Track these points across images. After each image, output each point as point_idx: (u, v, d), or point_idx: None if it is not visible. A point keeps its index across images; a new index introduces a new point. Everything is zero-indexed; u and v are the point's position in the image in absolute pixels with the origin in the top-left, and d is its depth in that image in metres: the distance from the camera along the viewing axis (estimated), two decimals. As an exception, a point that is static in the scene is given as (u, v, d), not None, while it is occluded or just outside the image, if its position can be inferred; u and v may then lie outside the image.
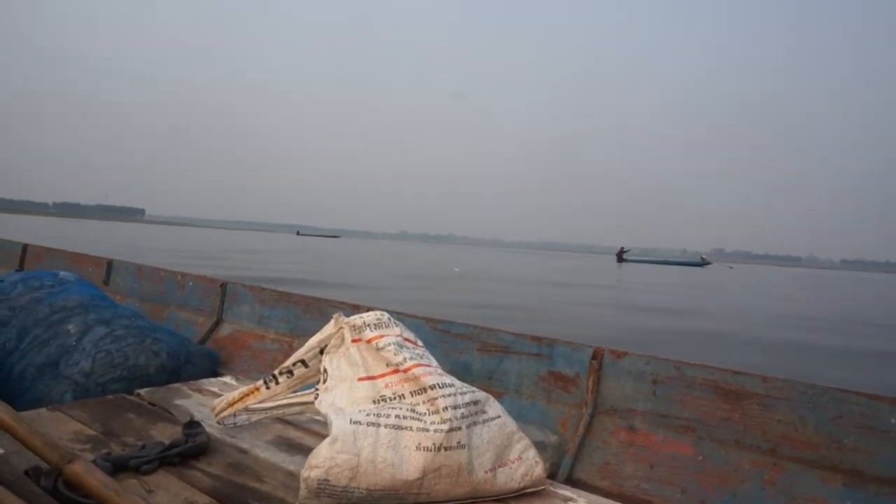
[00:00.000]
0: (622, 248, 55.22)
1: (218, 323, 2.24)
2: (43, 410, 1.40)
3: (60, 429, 1.30)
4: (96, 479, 0.81)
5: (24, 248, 3.30)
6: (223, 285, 2.27)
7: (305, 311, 2.01)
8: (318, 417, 1.49)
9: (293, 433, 1.40)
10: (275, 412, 1.38)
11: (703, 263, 55.60)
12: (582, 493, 1.17)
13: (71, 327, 1.82)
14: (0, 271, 3.10)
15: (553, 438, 1.39)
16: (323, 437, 1.38)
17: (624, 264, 47.89)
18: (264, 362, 1.98)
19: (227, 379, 1.83)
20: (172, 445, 1.21)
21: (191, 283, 2.40)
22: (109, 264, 2.76)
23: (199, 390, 1.69)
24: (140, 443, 1.28)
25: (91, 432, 1.31)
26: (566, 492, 1.17)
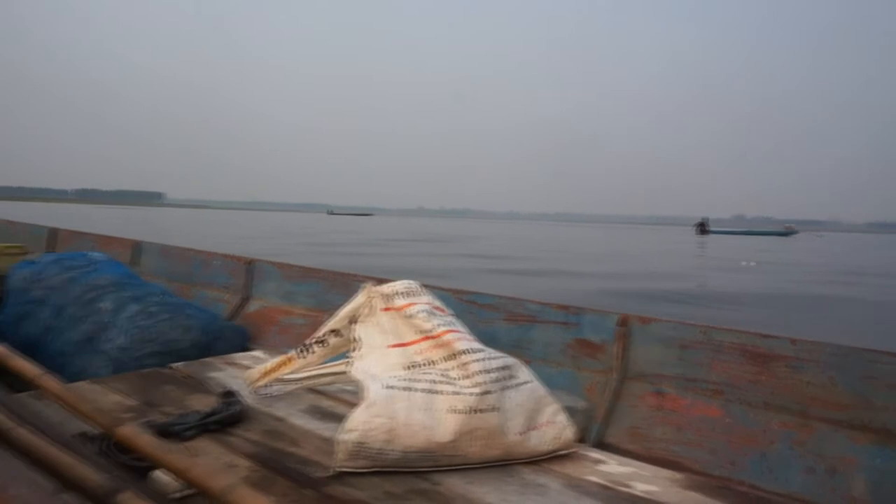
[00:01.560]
0: (703, 219, 52.29)
1: (245, 300, 2.28)
2: (84, 383, 1.44)
3: (102, 400, 1.34)
4: (146, 441, 0.84)
5: (52, 231, 3.37)
6: (249, 262, 2.31)
7: (332, 286, 2.04)
8: (348, 387, 1.52)
9: (325, 402, 1.43)
10: (307, 383, 1.41)
11: (787, 233, 53.41)
12: (612, 455, 1.19)
13: (105, 305, 1.87)
14: (32, 255, 3.17)
15: (582, 404, 1.41)
16: (354, 405, 1.41)
17: (708, 236, 44.71)
18: (292, 336, 2.02)
19: (257, 353, 1.86)
20: (211, 413, 1.24)
21: (217, 262, 2.44)
22: (136, 245, 2.82)
23: (231, 364, 1.73)
24: (179, 412, 1.32)
25: (132, 403, 1.35)
26: (597, 454, 1.19)
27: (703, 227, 50.84)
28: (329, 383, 1.42)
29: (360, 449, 1.03)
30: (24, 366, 1.19)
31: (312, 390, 1.49)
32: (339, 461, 1.04)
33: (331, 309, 2.04)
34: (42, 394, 1.23)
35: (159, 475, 0.92)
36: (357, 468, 1.04)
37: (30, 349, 1.68)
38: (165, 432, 1.14)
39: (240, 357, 1.80)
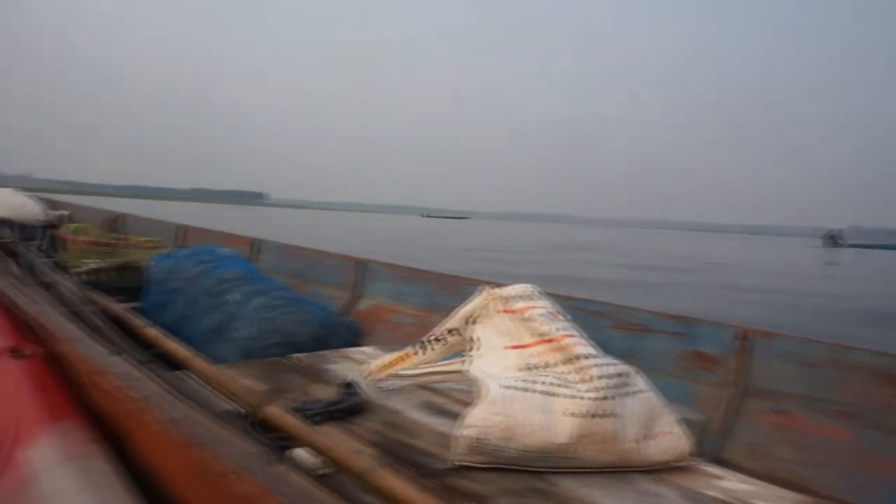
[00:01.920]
0: (834, 230, 46.19)
1: (356, 298, 2.39)
2: (222, 367, 1.57)
3: (237, 383, 1.46)
4: (290, 421, 0.91)
5: (182, 228, 3.68)
6: (361, 263, 2.42)
7: (441, 288, 2.10)
8: (458, 386, 1.57)
9: (437, 399, 1.48)
10: (420, 379, 1.46)
11: None
12: (731, 472, 1.16)
13: (233, 297, 2.02)
14: (165, 250, 3.47)
15: (696, 416, 1.38)
16: (465, 404, 1.45)
17: (836, 250, 38.56)
18: (401, 335, 2.10)
19: (368, 349, 1.95)
20: (335, 402, 1.32)
21: (330, 261, 2.58)
22: (256, 243, 3.02)
23: (345, 357, 1.82)
24: (304, 399, 1.41)
25: (262, 388, 1.46)
26: (715, 470, 1.16)
27: (834, 239, 44.72)
28: (441, 381, 1.47)
29: (479, 444, 1.06)
30: (177, 348, 1.33)
31: (424, 387, 1.55)
32: (458, 455, 1.08)
33: (439, 310, 2.11)
34: (189, 374, 1.36)
35: (299, 453, 1.00)
36: (475, 463, 1.07)
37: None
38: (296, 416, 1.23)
39: (352, 352, 1.89)
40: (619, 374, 1.13)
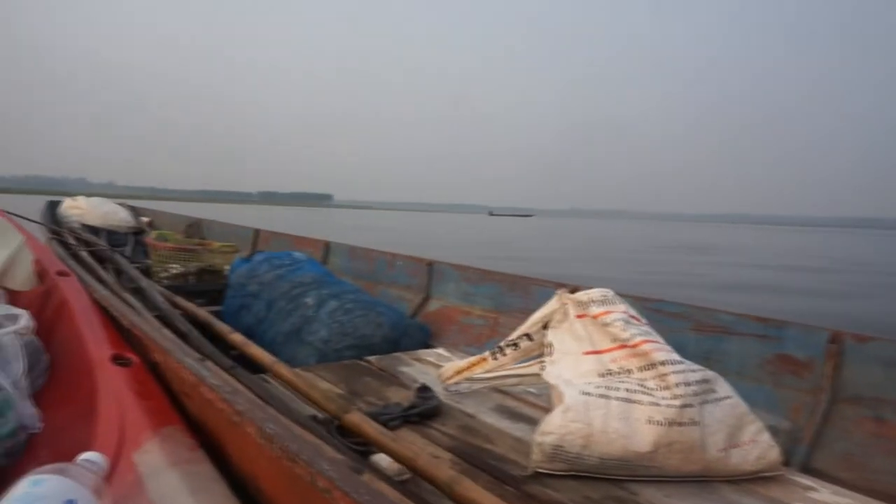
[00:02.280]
0: None
1: (426, 299, 2.41)
2: (299, 372, 1.63)
3: (317, 389, 1.51)
4: (373, 428, 0.94)
5: (256, 232, 3.82)
6: (430, 264, 2.45)
7: (510, 289, 2.10)
8: (531, 389, 1.56)
9: (510, 402, 1.48)
10: (493, 382, 1.46)
11: None
12: (824, 483, 1.11)
13: (308, 300, 2.08)
14: (241, 254, 3.61)
15: (785, 424, 1.32)
16: (538, 407, 1.45)
17: None
18: (471, 336, 2.11)
19: (441, 350, 1.97)
20: (412, 406, 1.34)
21: (400, 263, 2.61)
22: (327, 246, 3.10)
23: (418, 360, 1.85)
24: (380, 402, 1.44)
25: (339, 391, 1.50)
26: (806, 480, 1.11)
27: None
28: (515, 384, 1.47)
29: (557, 452, 1.06)
30: (261, 353, 1.38)
31: (497, 390, 1.55)
32: (537, 462, 1.07)
33: (509, 311, 2.11)
34: (269, 377, 1.41)
35: (380, 459, 1.02)
36: (553, 470, 1.07)
37: (247, 337, 1.92)
38: (373, 420, 1.26)
39: (425, 353, 1.91)
40: (702, 381, 1.10)
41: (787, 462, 1.24)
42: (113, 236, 4.45)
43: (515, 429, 1.30)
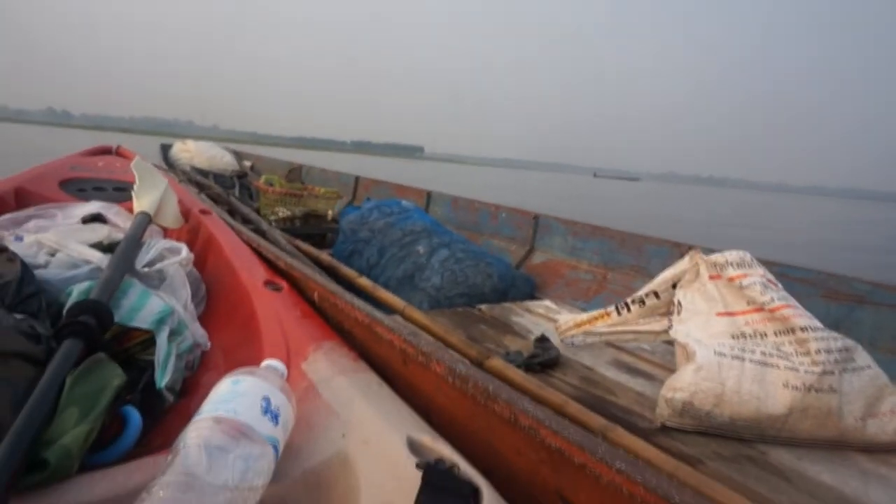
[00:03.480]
0: None
1: (530, 251, 2.44)
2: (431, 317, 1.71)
3: (453, 334, 1.58)
4: (517, 374, 0.99)
5: (357, 179, 3.93)
6: (536, 217, 2.46)
7: (621, 246, 2.09)
8: (645, 346, 1.58)
9: (625, 357, 1.51)
10: (610, 337, 1.49)
11: None
12: None
13: (420, 248, 2.15)
14: (342, 200, 3.74)
15: (923, 398, 1.28)
16: (654, 364, 1.47)
17: None
18: (578, 290, 2.13)
19: (548, 303, 2.01)
20: (533, 355, 1.40)
21: (504, 215, 2.64)
22: (429, 195, 3.16)
23: (527, 310, 1.89)
24: (500, 350, 1.50)
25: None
26: None
27: None
28: (632, 340, 1.48)
29: (687, 408, 1.08)
30: (391, 298, 1.46)
31: (610, 345, 1.58)
32: (666, 416, 1.10)
33: (618, 267, 2.11)
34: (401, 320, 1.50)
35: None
36: (682, 426, 1.10)
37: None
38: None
39: (534, 305, 1.96)
40: (843, 349, 1.08)
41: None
42: (219, 179, 4.69)
43: (635, 383, 1.34)
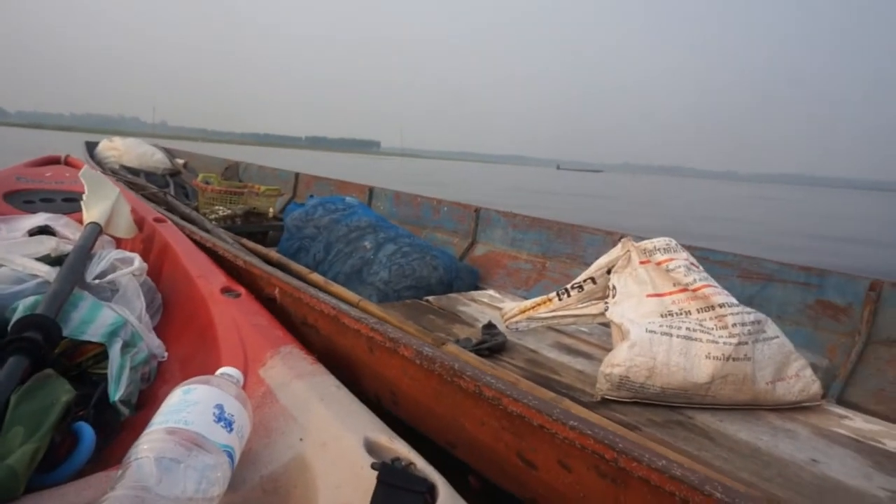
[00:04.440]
0: None
1: (472, 244, 2.54)
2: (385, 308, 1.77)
3: (408, 324, 1.64)
4: (471, 357, 1.07)
5: (297, 176, 3.92)
6: (477, 210, 2.56)
7: (558, 236, 2.22)
8: (583, 328, 1.70)
9: (567, 340, 1.63)
10: (551, 321, 1.60)
11: None
12: (857, 413, 1.25)
13: (366, 243, 2.21)
14: (283, 197, 3.73)
15: (823, 362, 1.45)
16: (592, 344, 1.59)
17: None
18: (519, 279, 2.24)
19: (492, 292, 2.11)
20: (482, 342, 1.49)
21: (445, 208, 2.73)
22: (371, 190, 3.20)
23: (473, 300, 1.99)
24: (450, 338, 1.59)
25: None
26: (841, 410, 1.25)
27: None
28: (571, 323, 1.60)
29: (623, 382, 1.20)
30: (345, 292, 1.52)
31: (552, 329, 1.69)
32: (605, 390, 1.22)
33: (556, 256, 2.24)
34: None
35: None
36: (619, 398, 1.21)
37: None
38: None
39: (478, 295, 2.05)
40: (755, 322, 1.23)
41: (824, 395, 1.38)
42: (150, 178, 4.54)
43: (576, 363, 1.45)
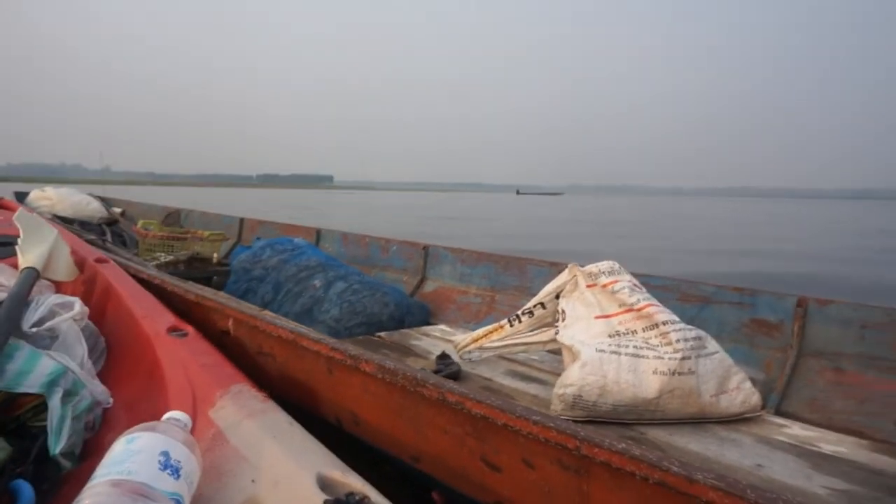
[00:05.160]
0: None
1: (422, 280, 2.56)
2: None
3: None
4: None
5: (242, 220, 3.88)
6: (425, 248, 2.59)
7: (505, 269, 2.27)
8: (534, 356, 1.74)
9: (520, 368, 1.66)
10: (502, 350, 1.63)
11: None
12: (794, 422, 1.32)
13: (316, 282, 2.21)
14: (228, 242, 3.67)
15: (760, 376, 1.53)
16: (544, 370, 1.63)
17: None
18: (469, 313, 2.27)
19: (443, 326, 2.13)
20: (437, 371, 1.50)
21: (394, 247, 2.75)
22: (318, 232, 3.20)
23: (425, 334, 2.00)
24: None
25: None
26: (780, 420, 1.32)
27: None
28: (522, 351, 1.62)
29: (577, 401, 1.23)
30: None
31: (504, 358, 1.72)
32: (559, 410, 1.25)
33: (504, 289, 2.28)
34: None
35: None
36: (573, 417, 1.24)
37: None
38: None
39: (430, 329, 2.07)
40: (697, 338, 1.29)
41: (763, 407, 1.45)
42: (86, 226, 4.40)
43: (529, 388, 1.48)
